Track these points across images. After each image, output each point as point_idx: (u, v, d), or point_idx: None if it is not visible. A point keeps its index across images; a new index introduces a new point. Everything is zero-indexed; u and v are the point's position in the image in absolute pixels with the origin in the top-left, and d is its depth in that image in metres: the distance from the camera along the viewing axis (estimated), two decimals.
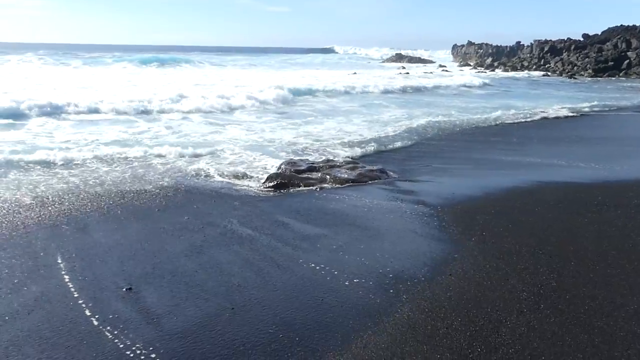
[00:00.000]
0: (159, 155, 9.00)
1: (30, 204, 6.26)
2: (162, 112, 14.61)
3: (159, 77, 29.11)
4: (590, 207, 6.39)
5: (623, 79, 38.23)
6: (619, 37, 45.38)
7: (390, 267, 4.62)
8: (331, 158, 9.34)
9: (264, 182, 7.46)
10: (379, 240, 5.32)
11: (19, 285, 4.21)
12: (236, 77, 29.89)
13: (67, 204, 6.33)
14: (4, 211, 5.99)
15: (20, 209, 6.06)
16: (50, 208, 6.13)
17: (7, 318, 3.71)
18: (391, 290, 4.18)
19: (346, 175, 7.75)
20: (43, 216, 5.86)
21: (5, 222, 5.64)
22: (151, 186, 7.18)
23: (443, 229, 5.59)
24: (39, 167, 8.04)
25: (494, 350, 3.37)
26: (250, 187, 7.40)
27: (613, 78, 38.94)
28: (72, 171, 7.90)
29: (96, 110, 14.15)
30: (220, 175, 7.85)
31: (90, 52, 62.13)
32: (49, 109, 13.58)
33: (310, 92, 21.36)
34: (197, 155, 9.09)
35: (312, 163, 8.64)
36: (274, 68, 45.71)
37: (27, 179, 7.37)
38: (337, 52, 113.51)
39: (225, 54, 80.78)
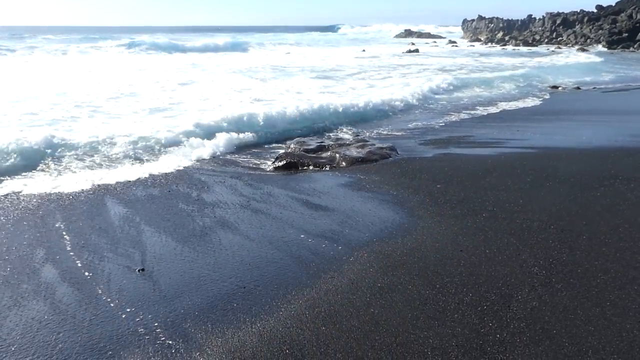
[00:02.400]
0: None
1: None
2: None
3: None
4: (602, 181, 6.32)
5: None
6: (633, 7, 44.26)
7: (394, 243, 4.62)
8: (340, 136, 9.32)
9: (274, 162, 7.48)
10: (381, 216, 5.31)
11: (33, 270, 4.28)
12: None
13: None
14: None
15: None
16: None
17: (23, 297, 3.79)
18: (399, 269, 4.19)
19: (355, 154, 7.73)
20: None
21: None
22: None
23: (452, 206, 5.56)
24: None
25: (505, 325, 3.38)
26: (260, 167, 7.43)
27: (627, 50, 38.08)
28: None
29: None
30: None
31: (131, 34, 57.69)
32: None
33: None
34: None
35: (322, 142, 8.62)
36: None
37: None
38: (341, 30, 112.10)
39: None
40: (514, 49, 41.60)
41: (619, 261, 4.24)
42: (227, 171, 7.23)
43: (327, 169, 7.29)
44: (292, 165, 7.33)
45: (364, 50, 37.78)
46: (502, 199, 5.77)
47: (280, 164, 7.39)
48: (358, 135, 9.52)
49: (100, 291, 3.89)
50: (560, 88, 16.99)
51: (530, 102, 14.25)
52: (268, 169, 7.34)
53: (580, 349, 3.11)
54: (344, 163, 7.46)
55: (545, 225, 5.01)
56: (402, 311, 3.56)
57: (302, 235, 4.89)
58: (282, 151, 8.08)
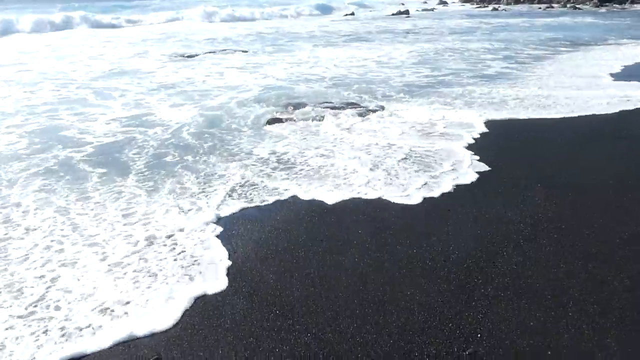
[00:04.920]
0: None
1: None
2: None
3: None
4: (591, 139, 6.37)
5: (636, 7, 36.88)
6: None
7: (378, 203, 4.68)
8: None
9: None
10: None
11: None
12: None
13: None
14: None
15: None
16: None
17: None
18: (387, 230, 4.25)
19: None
20: None
21: None
22: None
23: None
24: None
25: (490, 280, 3.46)
26: None
27: (618, 6, 37.63)
28: None
29: None
30: None
31: None
32: None
33: None
34: None
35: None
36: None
37: None
38: None
39: None
40: (504, 9, 40.97)
41: (604, 216, 4.32)
42: None
43: None
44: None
45: (352, 14, 36.97)
46: (489, 158, 5.80)
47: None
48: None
49: None
50: None
51: None
52: None
53: (562, 300, 3.20)
54: None
55: (532, 183, 5.07)
56: (390, 270, 3.63)
57: None
58: None
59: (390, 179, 5.27)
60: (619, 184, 4.97)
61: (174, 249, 3.98)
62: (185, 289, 3.44)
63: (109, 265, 3.77)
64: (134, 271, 3.68)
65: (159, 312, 3.23)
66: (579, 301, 3.18)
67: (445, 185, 5.06)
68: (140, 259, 3.84)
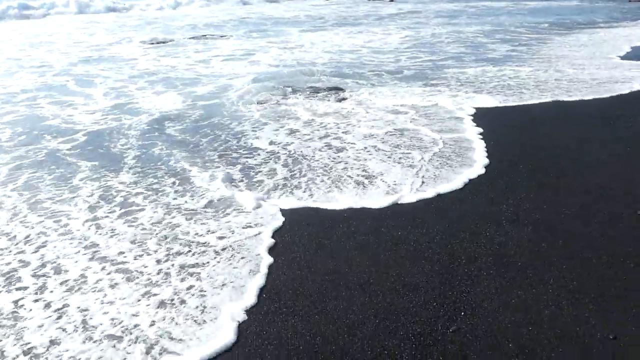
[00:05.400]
0: None
1: None
2: None
3: None
4: (573, 122, 6.47)
5: None
6: None
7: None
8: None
9: None
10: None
11: None
12: None
13: None
14: None
15: None
16: None
17: None
18: (372, 213, 4.29)
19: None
20: None
21: None
22: None
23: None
24: None
25: (473, 260, 3.53)
26: None
27: None
28: None
29: None
30: None
31: None
32: None
33: None
34: None
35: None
36: None
37: None
38: None
39: None
40: None
41: (584, 196, 4.41)
42: None
43: None
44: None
45: None
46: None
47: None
48: None
49: None
50: None
51: None
52: None
53: (543, 277, 3.28)
54: None
55: (514, 165, 5.15)
56: (376, 252, 3.68)
57: None
58: None
59: (376, 163, 5.31)
60: (598, 163, 5.06)
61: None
62: None
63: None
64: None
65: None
66: (559, 278, 3.26)
67: (428, 169, 5.11)
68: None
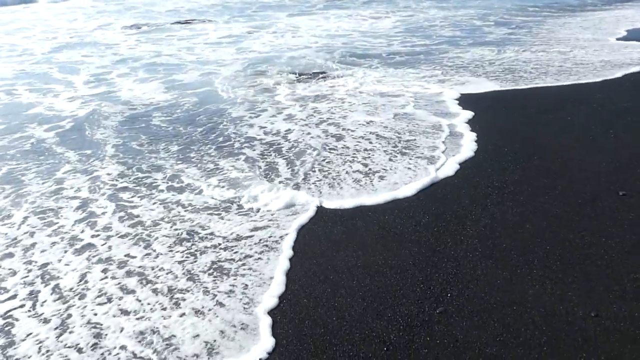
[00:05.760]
0: None
1: None
2: None
3: None
4: (555, 106, 6.52)
5: None
6: None
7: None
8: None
9: None
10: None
11: None
12: None
13: None
14: None
15: None
16: None
17: None
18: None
19: None
20: None
21: None
22: None
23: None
24: None
25: (459, 242, 3.57)
26: None
27: None
28: None
29: None
30: None
31: None
32: None
33: None
34: None
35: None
36: None
37: None
38: None
39: None
40: None
41: (567, 178, 4.47)
42: None
43: None
44: None
45: None
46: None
47: None
48: None
49: None
50: None
51: None
52: None
53: (527, 258, 3.33)
54: None
55: (499, 148, 5.19)
56: (364, 236, 3.70)
57: None
58: None
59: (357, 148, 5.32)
60: (581, 147, 5.13)
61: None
62: None
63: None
64: None
65: None
66: (543, 259, 3.32)
67: (415, 152, 5.14)
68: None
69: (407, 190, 4.35)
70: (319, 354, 2.63)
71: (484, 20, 14.82)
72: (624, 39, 11.14)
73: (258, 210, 4.12)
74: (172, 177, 4.79)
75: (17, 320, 2.98)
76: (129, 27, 15.21)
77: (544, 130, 5.67)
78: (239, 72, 8.97)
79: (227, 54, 10.76)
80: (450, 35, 12.47)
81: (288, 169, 4.89)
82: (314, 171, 4.79)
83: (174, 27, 14.91)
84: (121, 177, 4.84)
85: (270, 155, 5.27)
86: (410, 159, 4.97)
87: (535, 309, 2.87)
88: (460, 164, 4.85)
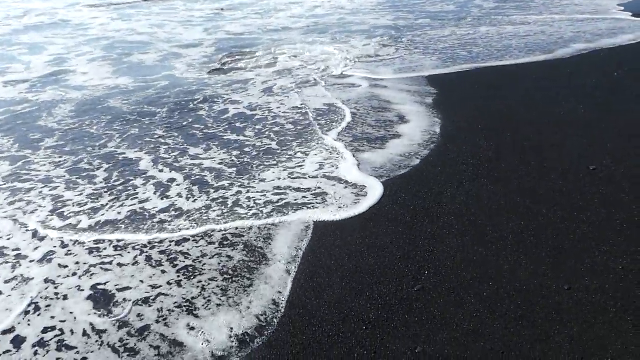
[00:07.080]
0: None
1: None
2: None
3: None
4: (526, 83, 6.58)
5: None
6: None
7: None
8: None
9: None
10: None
11: None
12: None
13: None
14: None
15: None
16: None
17: None
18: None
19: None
20: None
21: None
22: None
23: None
24: None
25: (435, 219, 3.59)
26: None
27: None
28: None
29: None
30: None
31: None
32: None
33: None
34: None
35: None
36: None
37: None
38: None
39: None
40: None
41: (539, 154, 4.52)
42: None
43: None
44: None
45: None
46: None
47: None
48: None
49: None
50: None
51: None
52: None
53: (502, 234, 3.37)
54: None
55: (472, 126, 5.22)
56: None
57: None
58: None
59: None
60: (551, 121, 5.20)
61: None
62: None
63: None
64: None
65: None
66: (517, 234, 3.37)
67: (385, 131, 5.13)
68: None
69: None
70: (298, 335, 2.63)
71: None
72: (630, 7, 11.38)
73: None
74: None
75: None
76: (97, 5, 14.64)
77: (516, 107, 5.72)
78: (210, 52, 8.75)
79: (199, 33, 10.50)
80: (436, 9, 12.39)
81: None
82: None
83: (146, 4, 14.41)
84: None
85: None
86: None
87: (511, 284, 2.92)
88: (434, 141, 4.87)
